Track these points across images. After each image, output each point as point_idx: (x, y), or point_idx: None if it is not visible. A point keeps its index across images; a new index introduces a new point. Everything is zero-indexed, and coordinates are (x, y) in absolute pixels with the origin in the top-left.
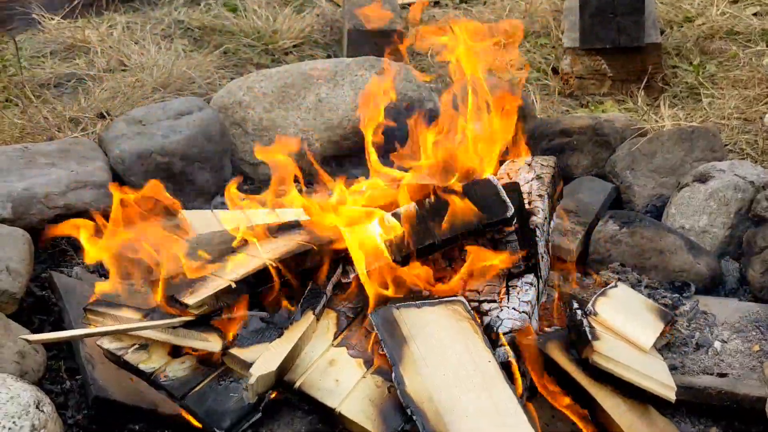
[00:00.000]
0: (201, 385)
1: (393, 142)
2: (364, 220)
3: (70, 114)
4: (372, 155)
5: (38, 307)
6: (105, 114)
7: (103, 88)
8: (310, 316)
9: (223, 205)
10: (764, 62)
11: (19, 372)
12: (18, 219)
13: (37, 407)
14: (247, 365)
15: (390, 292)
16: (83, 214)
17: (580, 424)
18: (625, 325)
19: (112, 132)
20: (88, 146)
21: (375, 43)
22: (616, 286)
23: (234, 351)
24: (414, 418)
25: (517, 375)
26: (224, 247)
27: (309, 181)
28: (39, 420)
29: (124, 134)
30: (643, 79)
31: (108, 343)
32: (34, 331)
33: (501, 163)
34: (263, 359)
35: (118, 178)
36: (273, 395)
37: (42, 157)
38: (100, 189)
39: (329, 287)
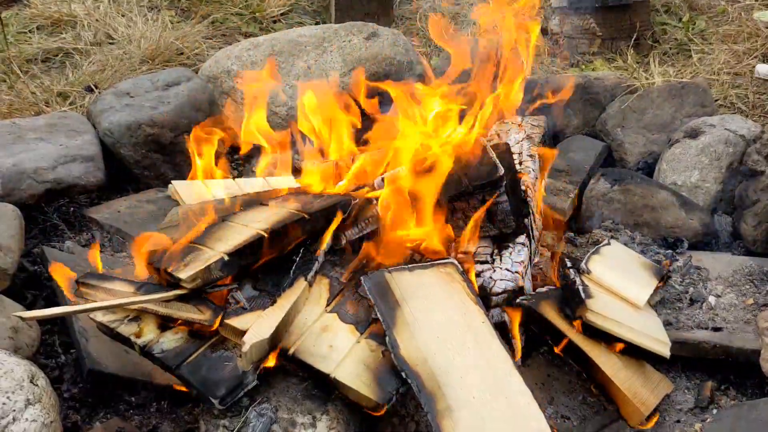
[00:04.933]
0: (195, 355)
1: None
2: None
3: (58, 88)
4: None
5: (31, 282)
6: (93, 87)
7: (90, 61)
8: (302, 283)
9: None
10: (754, 16)
11: (13, 347)
12: (8, 195)
13: (31, 381)
14: (241, 333)
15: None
16: (73, 188)
17: None
18: (619, 283)
19: (100, 105)
20: (76, 120)
21: (363, 8)
22: (609, 243)
23: (228, 320)
24: (409, 381)
25: (515, 334)
26: (215, 218)
27: None
28: (33, 394)
29: (113, 107)
30: (633, 37)
31: (101, 316)
32: (27, 306)
33: None
34: (256, 327)
35: (108, 151)
36: (267, 362)
37: (31, 132)
38: (90, 162)
39: (321, 254)
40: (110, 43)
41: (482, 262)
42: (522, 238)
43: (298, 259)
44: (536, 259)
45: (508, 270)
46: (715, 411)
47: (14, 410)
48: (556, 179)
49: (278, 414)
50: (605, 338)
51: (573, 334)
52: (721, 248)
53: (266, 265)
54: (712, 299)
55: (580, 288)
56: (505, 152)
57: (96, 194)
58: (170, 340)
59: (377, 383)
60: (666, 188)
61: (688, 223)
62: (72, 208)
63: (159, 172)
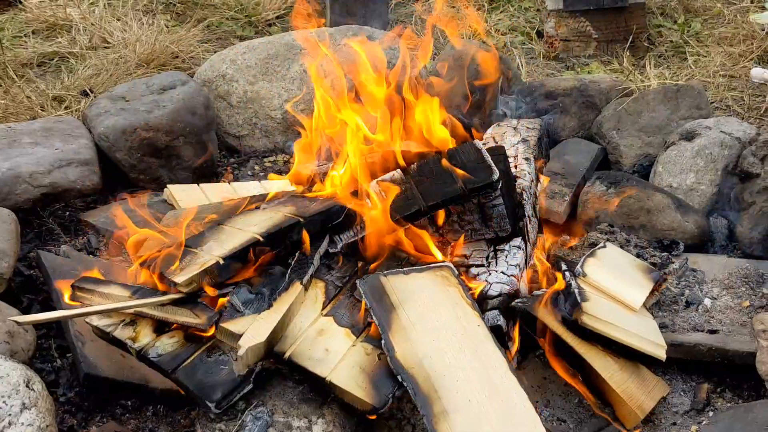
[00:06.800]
0: (191, 359)
1: None
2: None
3: (53, 92)
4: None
5: (26, 286)
6: (88, 91)
7: (86, 65)
8: (298, 287)
9: None
10: (750, 18)
11: (9, 351)
12: (3, 199)
13: (27, 386)
14: (237, 337)
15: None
16: (69, 192)
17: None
18: (615, 285)
19: (95, 109)
20: (72, 124)
21: (358, 11)
22: (604, 246)
23: (224, 324)
24: (405, 384)
25: (511, 337)
26: (211, 222)
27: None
28: (29, 398)
29: (108, 111)
30: (628, 39)
31: (97, 321)
32: (23, 311)
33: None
34: (252, 331)
35: (103, 155)
36: (263, 366)
37: (26, 136)
38: (86, 166)
39: (316, 257)
40: (105, 48)
41: (478, 265)
42: (518, 241)
43: (293, 262)
44: (532, 262)
45: (503, 273)
46: (711, 413)
47: (10, 414)
48: (552, 182)
49: (274, 417)
50: (601, 341)
51: (569, 336)
52: (717, 250)
53: (262, 269)
54: (707, 301)
55: (576, 291)
56: (500, 155)
57: (91, 198)
58: (166, 344)
59: (373, 386)
60: (662, 191)
61: (683, 225)
62: (68, 212)
63: (154, 175)
